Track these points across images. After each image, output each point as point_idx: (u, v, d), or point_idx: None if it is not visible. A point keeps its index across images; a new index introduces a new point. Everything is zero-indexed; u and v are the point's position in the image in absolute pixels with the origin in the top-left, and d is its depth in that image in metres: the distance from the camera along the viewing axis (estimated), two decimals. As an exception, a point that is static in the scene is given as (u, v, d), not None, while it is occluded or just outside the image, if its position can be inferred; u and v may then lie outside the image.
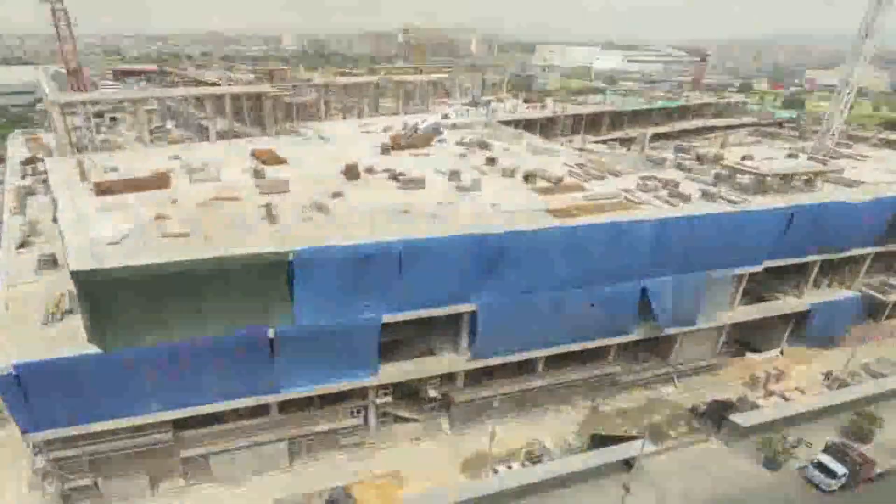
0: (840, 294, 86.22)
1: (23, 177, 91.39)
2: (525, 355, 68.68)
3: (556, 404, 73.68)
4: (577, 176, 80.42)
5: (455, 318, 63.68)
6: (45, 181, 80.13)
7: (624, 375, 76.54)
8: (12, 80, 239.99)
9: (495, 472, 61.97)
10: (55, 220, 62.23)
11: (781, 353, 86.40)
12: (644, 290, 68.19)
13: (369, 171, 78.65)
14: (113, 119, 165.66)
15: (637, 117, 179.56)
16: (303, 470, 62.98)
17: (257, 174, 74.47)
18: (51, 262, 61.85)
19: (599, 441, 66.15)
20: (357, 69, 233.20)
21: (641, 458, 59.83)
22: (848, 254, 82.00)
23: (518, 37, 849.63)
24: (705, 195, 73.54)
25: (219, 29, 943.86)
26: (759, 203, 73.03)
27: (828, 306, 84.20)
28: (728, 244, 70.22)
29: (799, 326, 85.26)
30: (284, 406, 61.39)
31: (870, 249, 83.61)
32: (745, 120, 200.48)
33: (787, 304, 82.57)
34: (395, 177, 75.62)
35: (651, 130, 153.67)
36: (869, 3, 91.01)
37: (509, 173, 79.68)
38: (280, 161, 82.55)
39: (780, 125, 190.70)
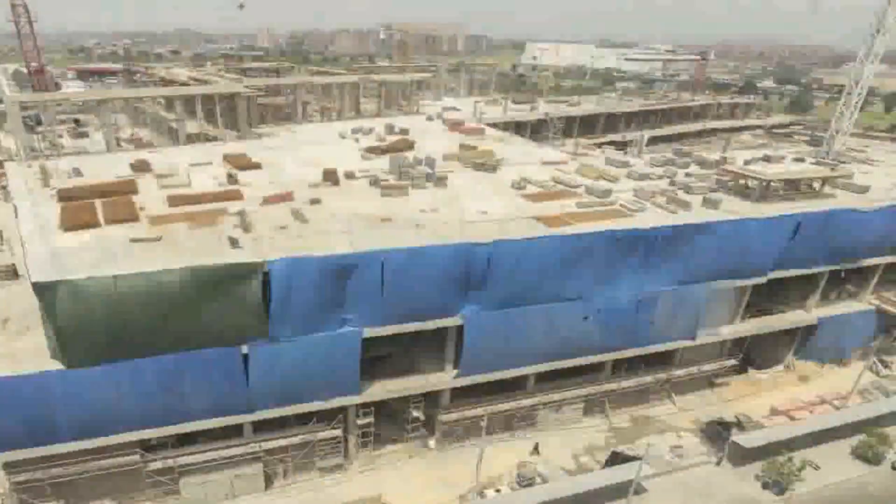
0: (850, 307, 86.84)
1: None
2: (515, 372, 69.18)
3: (548, 424, 74.17)
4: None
5: (441, 333, 64.24)
6: (4, 186, 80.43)
7: (620, 393, 77.11)
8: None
9: (483, 496, 62.43)
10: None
11: (786, 369, 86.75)
12: (641, 303, 68.81)
13: (349, 176, 79.42)
14: (76, 121, 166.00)
15: (633, 119, 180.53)
16: (279, 494, 63.42)
17: (231, 180, 74.98)
18: (11, 272, 62.17)
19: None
20: (336, 68, 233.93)
21: (639, 482, 60.21)
22: (858, 264, 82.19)
23: (508, 34, 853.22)
24: (707, 202, 74.30)
25: (190, 26, 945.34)
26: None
27: (837, 320, 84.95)
28: (730, 254, 70.53)
29: (806, 342, 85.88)
30: (259, 426, 61.47)
31: (882, 260, 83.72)
32: (749, 122, 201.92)
33: (793, 317, 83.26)
34: (376, 182, 76.32)
35: (648, 133, 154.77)
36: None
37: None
38: (254, 166, 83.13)
39: (787, 127, 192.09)
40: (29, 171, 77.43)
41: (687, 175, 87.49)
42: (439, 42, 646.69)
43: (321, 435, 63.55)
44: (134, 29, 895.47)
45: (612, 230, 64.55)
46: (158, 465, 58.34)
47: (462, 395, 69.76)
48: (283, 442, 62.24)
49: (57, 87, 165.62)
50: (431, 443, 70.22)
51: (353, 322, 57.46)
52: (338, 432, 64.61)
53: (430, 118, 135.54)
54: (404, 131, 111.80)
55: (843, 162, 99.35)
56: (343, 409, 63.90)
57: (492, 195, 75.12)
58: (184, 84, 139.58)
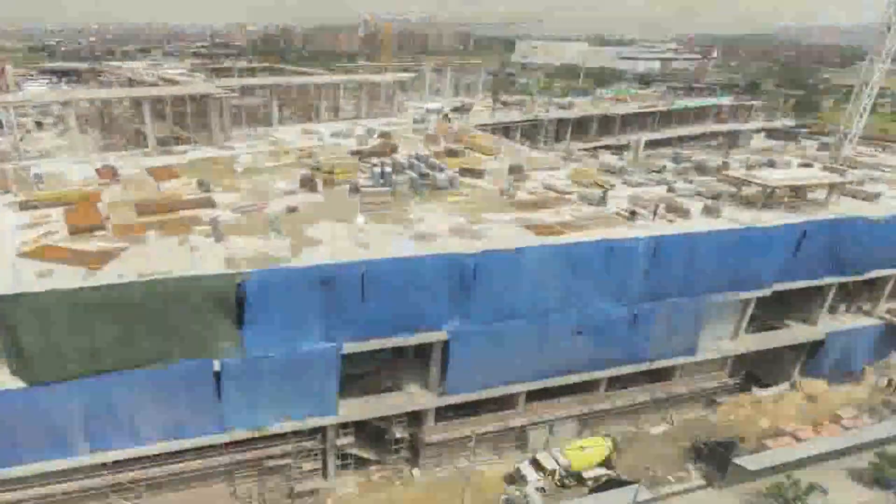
0: (859, 322, 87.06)
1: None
2: (503, 390, 69.30)
3: (539, 444, 74.47)
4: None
5: (425, 349, 64.65)
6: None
7: (614, 411, 77.38)
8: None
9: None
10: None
11: (792, 387, 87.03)
12: (637, 317, 69.33)
13: (328, 182, 79.88)
14: (38, 124, 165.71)
15: (630, 122, 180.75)
16: (253, 520, 63.46)
17: (202, 186, 75.45)
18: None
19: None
20: (315, 68, 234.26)
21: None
22: (868, 276, 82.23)
23: (497, 32, 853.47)
24: (706, 210, 74.91)
25: (159, 22, 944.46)
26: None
27: (845, 336, 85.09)
28: (732, 265, 70.90)
29: (813, 358, 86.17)
30: (233, 447, 61.31)
31: (893, 271, 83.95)
32: (752, 125, 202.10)
33: (799, 332, 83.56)
34: (356, 188, 76.93)
35: (645, 136, 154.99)
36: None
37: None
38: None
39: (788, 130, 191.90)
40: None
41: (686, 181, 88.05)
42: (425, 41, 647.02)
43: (298, 456, 63.88)
44: (101, 24, 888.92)
45: (605, 240, 65.16)
46: (125, 489, 58.36)
47: (448, 414, 69.99)
48: (257, 464, 62.47)
49: (17, 87, 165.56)
50: (415, 465, 70.39)
51: (332, 337, 57.79)
52: (317, 463, 65.05)
53: (415, 120, 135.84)
54: (386, 134, 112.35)
55: (853, 167, 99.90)
56: (322, 429, 64.07)
57: (479, 202, 75.76)
58: (152, 85, 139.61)
